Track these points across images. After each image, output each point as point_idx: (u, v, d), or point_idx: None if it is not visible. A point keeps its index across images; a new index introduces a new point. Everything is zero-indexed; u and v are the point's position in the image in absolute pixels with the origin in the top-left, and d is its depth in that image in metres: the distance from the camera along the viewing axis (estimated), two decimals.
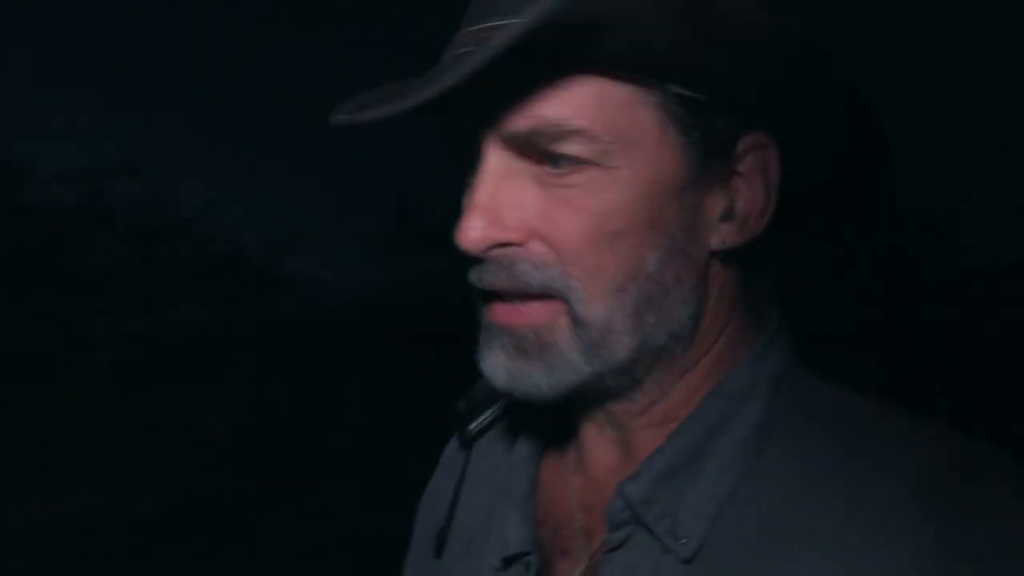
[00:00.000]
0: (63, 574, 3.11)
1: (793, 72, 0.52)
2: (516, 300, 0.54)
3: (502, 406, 0.71)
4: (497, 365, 0.55)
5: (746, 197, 0.55)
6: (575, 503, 0.63)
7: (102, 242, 4.53)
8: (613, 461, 0.61)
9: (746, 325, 0.60)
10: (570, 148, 0.51)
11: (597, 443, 0.62)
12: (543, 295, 0.54)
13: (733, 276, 0.58)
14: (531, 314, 0.54)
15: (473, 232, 0.52)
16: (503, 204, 0.53)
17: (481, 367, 0.57)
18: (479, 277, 0.55)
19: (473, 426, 0.71)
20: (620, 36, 0.47)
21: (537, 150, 0.52)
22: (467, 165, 0.56)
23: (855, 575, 0.48)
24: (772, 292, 0.61)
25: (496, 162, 0.53)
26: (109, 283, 4.37)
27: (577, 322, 0.53)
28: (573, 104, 0.51)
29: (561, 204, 0.53)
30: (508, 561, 0.63)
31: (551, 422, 0.68)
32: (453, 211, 0.56)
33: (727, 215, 0.55)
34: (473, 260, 0.55)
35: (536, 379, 0.54)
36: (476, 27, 0.52)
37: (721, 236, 0.55)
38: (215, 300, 4.79)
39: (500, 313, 0.55)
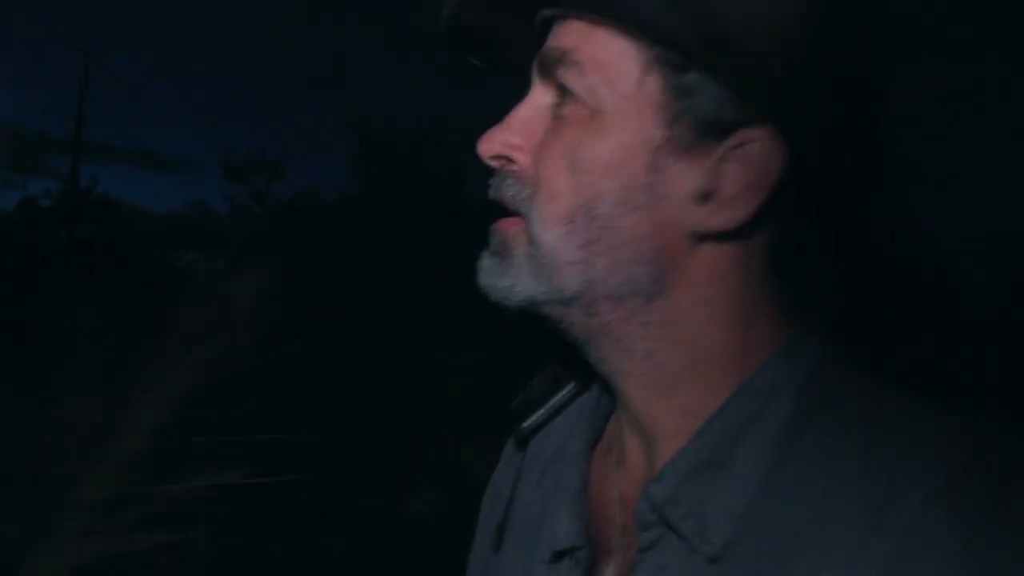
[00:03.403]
0: None
1: (810, 74, 0.51)
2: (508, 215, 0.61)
3: (557, 403, 0.72)
4: (482, 262, 0.62)
5: (730, 183, 0.54)
6: (616, 499, 0.64)
7: None
8: (644, 458, 0.61)
9: (780, 319, 0.58)
10: (569, 79, 0.56)
11: (631, 438, 0.63)
12: (517, 212, 0.59)
13: (739, 264, 0.57)
14: (507, 225, 0.60)
15: (485, 141, 0.60)
16: (518, 124, 0.60)
17: None
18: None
19: (527, 424, 0.73)
20: None
21: (554, 80, 0.58)
22: None
23: None
24: (814, 285, 0.60)
25: (535, 90, 0.60)
26: None
27: (532, 241, 0.58)
28: (581, 40, 0.56)
29: (552, 131, 0.58)
30: (559, 555, 0.64)
31: (602, 417, 0.69)
32: None
33: (705, 197, 0.55)
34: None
35: (496, 279, 0.60)
36: None
37: (698, 216, 0.55)
38: None
39: (497, 221, 0.61)
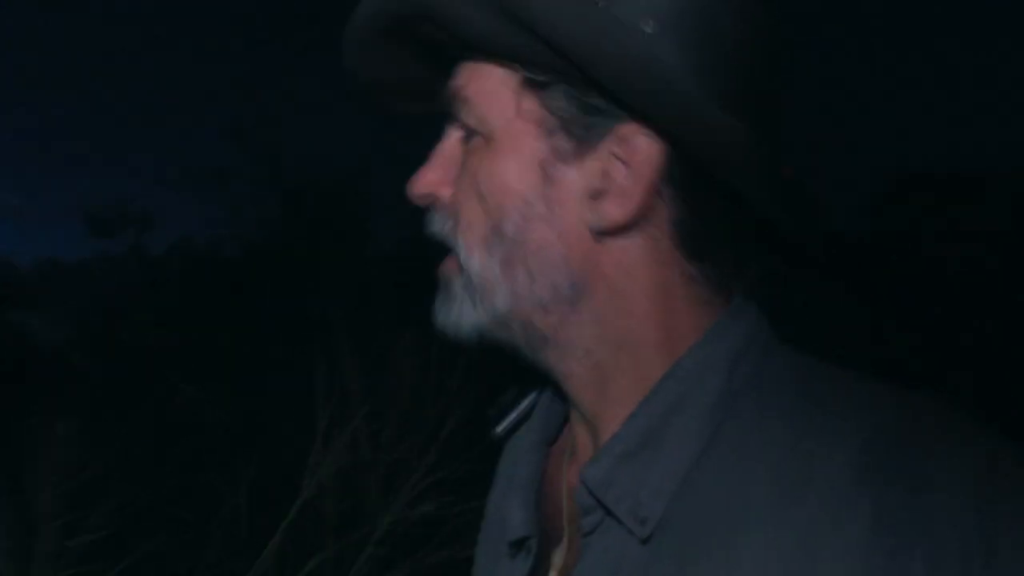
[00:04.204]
0: None
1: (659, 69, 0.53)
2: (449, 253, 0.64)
3: (526, 408, 0.75)
4: (435, 303, 0.65)
5: (617, 178, 0.56)
6: (565, 489, 0.66)
7: None
8: (591, 450, 0.64)
9: (703, 303, 0.60)
10: (462, 114, 0.61)
11: (581, 433, 0.66)
12: (451, 249, 0.62)
13: (647, 255, 0.58)
14: (448, 264, 0.64)
15: (412, 183, 0.64)
16: (438, 161, 0.64)
17: None
18: None
19: (500, 428, 0.75)
20: (442, 25, 0.57)
21: (459, 119, 0.62)
22: None
23: (801, 550, 0.49)
24: (736, 270, 0.61)
25: (449, 127, 0.64)
26: None
27: (463, 271, 0.61)
28: (469, 77, 0.60)
29: (463, 163, 0.62)
30: (515, 546, 0.66)
31: (558, 416, 0.72)
32: None
33: (597, 195, 0.57)
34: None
35: (445, 316, 0.63)
36: None
37: (594, 215, 0.57)
38: None
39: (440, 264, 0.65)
